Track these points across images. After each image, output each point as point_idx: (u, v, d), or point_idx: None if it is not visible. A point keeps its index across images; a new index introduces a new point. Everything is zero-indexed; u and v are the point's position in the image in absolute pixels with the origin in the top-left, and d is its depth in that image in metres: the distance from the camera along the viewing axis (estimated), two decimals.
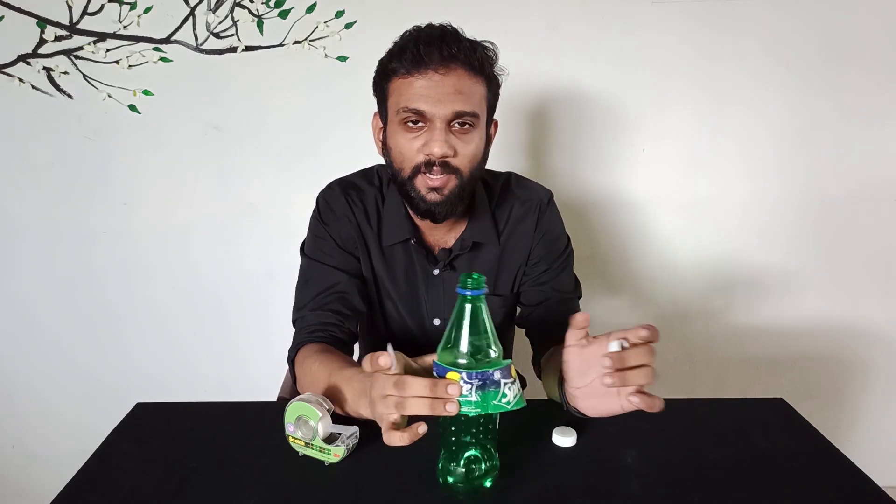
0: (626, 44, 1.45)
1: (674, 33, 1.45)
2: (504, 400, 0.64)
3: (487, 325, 0.65)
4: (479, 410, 0.64)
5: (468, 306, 0.65)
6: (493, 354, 0.65)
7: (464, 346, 0.64)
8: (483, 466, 0.69)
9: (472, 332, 0.64)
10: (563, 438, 0.79)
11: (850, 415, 1.75)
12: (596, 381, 0.72)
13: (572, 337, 0.74)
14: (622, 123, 1.51)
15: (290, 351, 0.97)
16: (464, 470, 0.68)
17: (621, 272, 1.63)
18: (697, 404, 0.93)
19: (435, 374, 0.66)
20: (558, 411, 0.82)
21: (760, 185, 1.56)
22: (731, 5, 1.43)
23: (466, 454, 0.68)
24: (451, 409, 0.63)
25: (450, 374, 0.64)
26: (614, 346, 0.68)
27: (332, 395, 0.80)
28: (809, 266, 1.63)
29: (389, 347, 0.68)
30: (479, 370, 0.64)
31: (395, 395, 0.65)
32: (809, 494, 0.71)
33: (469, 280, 0.64)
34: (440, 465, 0.70)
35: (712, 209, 1.58)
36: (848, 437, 1.76)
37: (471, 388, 0.63)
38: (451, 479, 0.69)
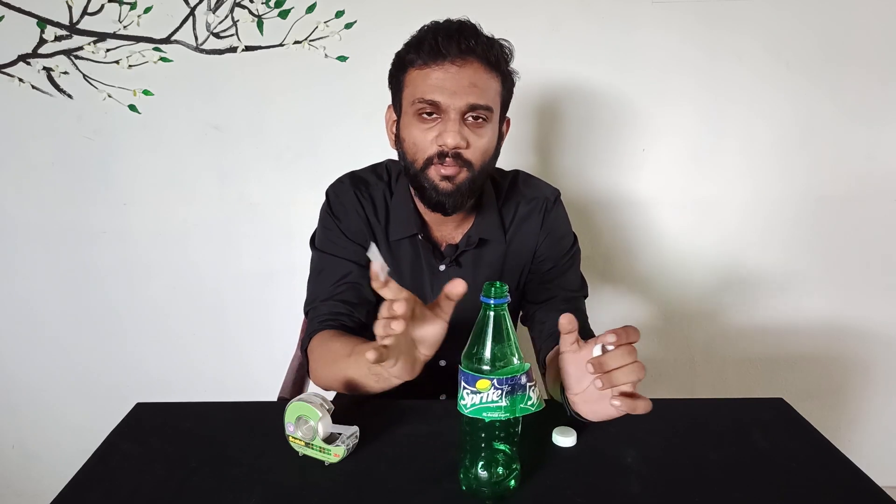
0: (627, 43, 1.45)
1: (674, 33, 1.45)
2: (529, 403, 0.67)
3: (510, 332, 0.67)
4: (508, 415, 0.66)
5: (492, 314, 0.66)
6: (515, 361, 0.67)
7: (488, 353, 0.66)
8: (511, 468, 0.69)
9: (496, 340, 0.66)
10: (563, 438, 0.79)
11: (850, 415, 1.75)
12: (591, 386, 0.73)
13: (564, 343, 0.75)
14: (622, 123, 1.51)
15: (303, 341, 0.99)
16: (495, 473, 0.69)
17: (622, 271, 1.63)
18: (697, 404, 0.93)
19: (462, 381, 0.67)
20: (558, 411, 0.82)
21: (760, 185, 1.56)
22: (732, 5, 1.43)
23: (495, 457, 0.69)
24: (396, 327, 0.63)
25: (479, 383, 0.65)
26: (596, 351, 0.70)
27: (350, 372, 0.82)
28: (809, 265, 1.63)
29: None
30: (509, 376, 0.65)
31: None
32: (809, 494, 0.71)
33: (492, 289, 0.65)
34: (465, 471, 0.70)
35: (712, 208, 1.58)
36: (848, 437, 1.76)
37: (501, 394, 0.65)
38: (478, 484, 0.69)
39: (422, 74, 0.89)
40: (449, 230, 1.03)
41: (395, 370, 0.72)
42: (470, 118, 0.90)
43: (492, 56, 0.90)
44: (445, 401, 0.99)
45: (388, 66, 0.96)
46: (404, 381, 0.74)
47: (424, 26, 0.92)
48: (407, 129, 0.93)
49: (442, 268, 1.03)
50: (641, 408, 0.69)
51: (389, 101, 1.00)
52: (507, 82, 0.95)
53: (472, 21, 0.91)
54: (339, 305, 0.97)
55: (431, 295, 1.04)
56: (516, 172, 1.10)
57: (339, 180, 1.05)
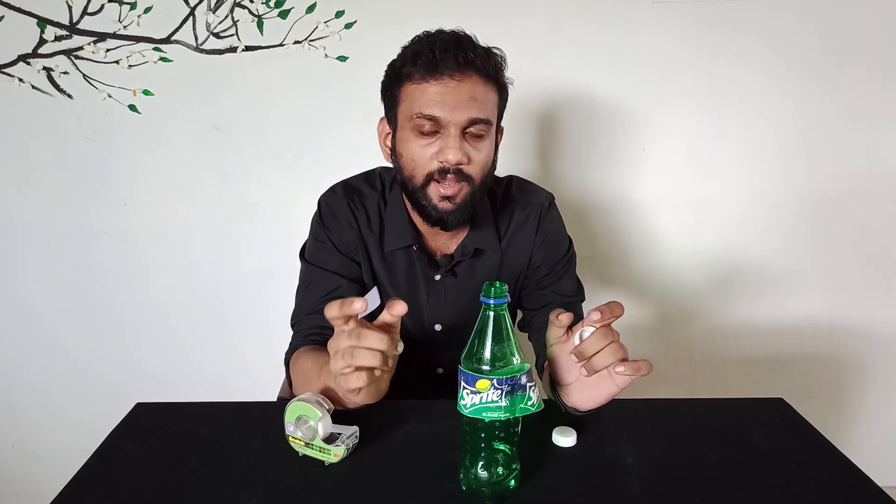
0: (627, 43, 1.45)
1: (674, 33, 1.45)
2: (529, 403, 0.67)
3: (510, 332, 0.67)
4: (508, 415, 0.66)
5: (492, 314, 0.66)
6: (515, 361, 0.67)
7: (488, 353, 0.66)
8: (511, 468, 0.69)
9: (496, 340, 0.66)
10: (563, 438, 0.79)
11: (850, 415, 1.75)
12: (581, 374, 0.75)
13: (553, 335, 0.77)
14: (622, 123, 1.51)
15: (286, 354, 0.98)
16: (495, 473, 0.69)
17: (622, 272, 1.63)
18: (697, 404, 0.93)
19: (462, 381, 0.66)
20: (558, 411, 0.82)
21: (761, 185, 1.56)
22: (732, 5, 1.43)
23: (495, 457, 0.69)
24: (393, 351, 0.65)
25: (479, 383, 0.65)
26: (576, 340, 0.74)
27: (323, 386, 0.79)
28: (810, 266, 1.63)
29: (374, 292, 0.67)
30: (509, 376, 0.65)
31: (351, 345, 0.65)
32: (809, 494, 0.71)
33: (492, 289, 0.65)
34: (465, 471, 0.70)
35: (712, 209, 1.58)
36: (848, 437, 1.76)
37: (500, 394, 0.65)
38: (478, 484, 0.69)
39: (419, 89, 0.87)
40: (444, 240, 1.02)
41: (360, 397, 0.71)
42: (469, 132, 0.88)
43: (490, 68, 0.88)
44: (445, 401, 0.99)
45: (388, 67, 0.95)
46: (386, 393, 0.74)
47: (417, 37, 0.90)
48: (404, 145, 0.91)
49: (437, 277, 1.02)
50: (644, 369, 0.71)
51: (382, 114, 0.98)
52: (504, 92, 0.94)
53: (468, 31, 0.89)
54: (324, 319, 0.97)
55: (427, 304, 1.04)
56: (510, 179, 1.09)
57: (332, 189, 1.03)
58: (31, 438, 1.73)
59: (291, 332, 1.01)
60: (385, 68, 0.94)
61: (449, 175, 0.88)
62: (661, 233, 1.60)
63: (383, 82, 0.95)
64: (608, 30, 1.44)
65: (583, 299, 1.09)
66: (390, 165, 1.00)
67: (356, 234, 1.00)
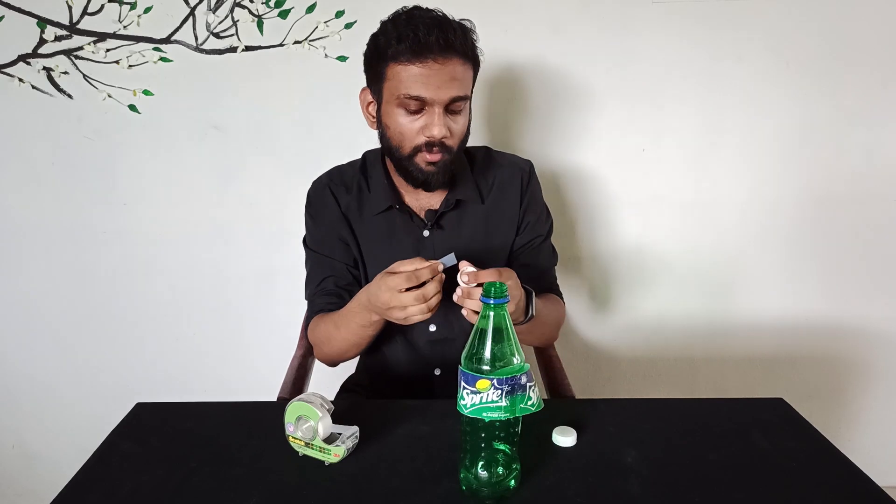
0: (626, 43, 1.45)
1: (674, 33, 1.44)
2: (529, 403, 0.68)
3: (510, 332, 0.67)
4: (508, 415, 0.66)
5: (492, 314, 0.66)
6: (515, 361, 0.67)
7: (488, 353, 0.66)
8: (511, 468, 0.69)
9: (496, 340, 0.66)
10: (563, 438, 0.79)
11: (850, 415, 1.75)
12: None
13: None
14: (622, 123, 1.51)
15: (304, 324, 1.12)
16: (495, 473, 0.69)
17: (621, 272, 1.63)
18: (697, 404, 0.93)
19: (462, 381, 0.67)
20: (558, 411, 0.82)
21: (760, 185, 1.56)
22: (732, 5, 1.43)
23: (495, 457, 0.69)
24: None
25: (479, 383, 0.65)
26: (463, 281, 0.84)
27: (346, 324, 0.97)
28: (809, 266, 1.63)
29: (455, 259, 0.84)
30: (509, 376, 0.66)
31: (433, 293, 0.83)
32: (809, 494, 0.71)
33: (492, 289, 0.66)
34: (465, 471, 0.70)
35: (713, 208, 1.58)
36: (848, 437, 1.76)
37: (500, 394, 0.65)
38: (478, 484, 0.69)
39: (405, 70, 0.93)
40: (426, 199, 1.08)
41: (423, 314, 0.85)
42: (450, 108, 0.96)
43: (468, 48, 0.95)
44: (445, 401, 0.99)
45: (371, 42, 0.98)
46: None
47: (397, 15, 0.96)
48: (391, 118, 0.98)
49: (426, 234, 1.07)
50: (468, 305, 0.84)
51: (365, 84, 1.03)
52: (477, 66, 1.00)
53: (444, 11, 0.95)
54: (327, 297, 1.09)
55: None
56: (486, 147, 1.17)
57: (318, 178, 1.13)
58: (31, 438, 1.73)
59: (294, 327, 1.03)
60: (367, 41, 0.99)
61: (434, 147, 0.97)
62: (662, 232, 1.60)
63: (366, 55, 1.00)
64: (608, 30, 1.44)
65: (556, 262, 1.19)
66: (377, 147, 1.08)
67: (339, 214, 1.08)
